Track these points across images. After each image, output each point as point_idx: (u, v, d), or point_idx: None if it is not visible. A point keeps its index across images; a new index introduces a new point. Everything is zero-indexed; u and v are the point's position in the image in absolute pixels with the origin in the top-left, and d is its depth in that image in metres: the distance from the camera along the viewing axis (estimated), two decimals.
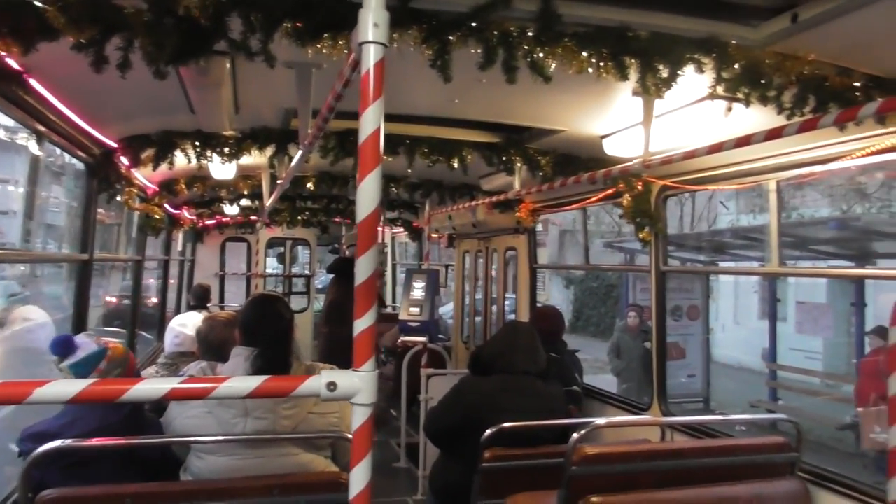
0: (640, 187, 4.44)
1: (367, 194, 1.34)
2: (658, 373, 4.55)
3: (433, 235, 8.64)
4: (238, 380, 1.30)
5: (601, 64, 2.32)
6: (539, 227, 7.14)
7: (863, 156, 2.94)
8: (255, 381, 1.30)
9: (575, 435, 2.87)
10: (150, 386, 1.27)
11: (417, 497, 5.74)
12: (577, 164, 4.47)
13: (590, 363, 14.58)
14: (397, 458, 6.77)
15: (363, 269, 1.35)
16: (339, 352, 6.80)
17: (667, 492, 2.86)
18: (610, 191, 4.78)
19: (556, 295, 24.38)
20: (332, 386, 1.31)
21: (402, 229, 10.61)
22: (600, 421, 3.05)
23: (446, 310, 10.98)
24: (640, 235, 4.47)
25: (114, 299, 13.61)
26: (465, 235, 8.31)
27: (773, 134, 2.29)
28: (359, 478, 1.34)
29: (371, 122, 1.32)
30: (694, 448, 3.11)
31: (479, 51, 2.25)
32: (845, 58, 2.52)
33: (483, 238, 7.92)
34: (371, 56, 1.32)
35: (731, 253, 14.54)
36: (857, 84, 2.55)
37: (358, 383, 1.31)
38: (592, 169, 4.20)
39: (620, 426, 3.52)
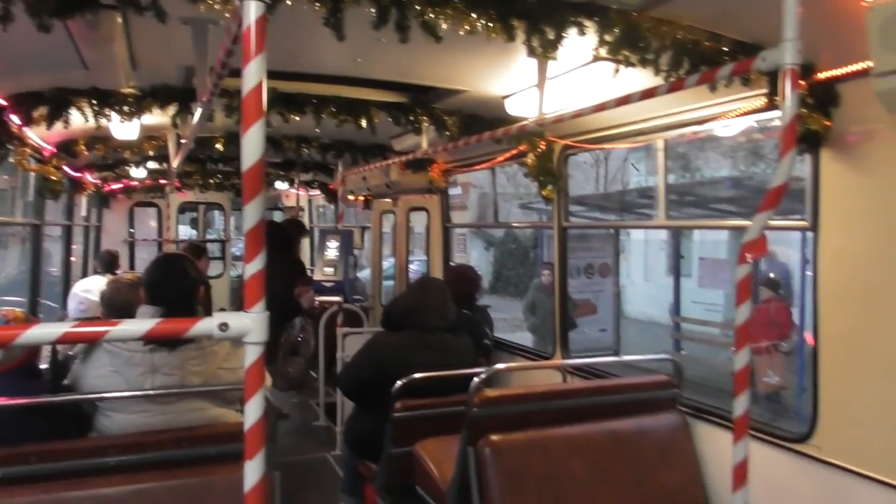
0: (542, 147, 4.63)
1: (251, 145, 1.41)
2: (560, 323, 4.82)
3: (349, 197, 8.65)
4: (131, 322, 1.36)
5: (490, 25, 2.43)
6: (459, 190, 7.28)
7: (734, 116, 3.19)
8: (149, 324, 1.37)
9: (476, 380, 3.05)
10: (43, 330, 1.31)
11: (335, 452, 5.90)
12: (482, 124, 4.60)
13: (508, 322, 15.07)
14: (317, 417, 6.89)
15: (250, 217, 1.43)
16: None
17: (560, 428, 3.09)
18: (515, 151, 4.95)
19: (476, 256, 24.81)
20: (224, 326, 1.39)
21: (318, 192, 10.55)
22: (500, 366, 3.24)
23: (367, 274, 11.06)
24: (544, 193, 4.67)
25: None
26: (380, 196, 8.37)
27: (648, 94, 2.47)
28: (252, 413, 1.43)
29: (253, 77, 1.39)
30: (585, 388, 3.36)
31: (372, 10, 2.32)
32: (715, 24, 2.73)
33: (397, 198, 8.01)
34: (252, 12, 1.37)
35: (638, 212, 15.19)
36: (726, 48, 2.78)
37: (249, 323, 1.39)
38: (496, 128, 4.34)
39: (519, 370, 3.75)
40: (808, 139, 2.85)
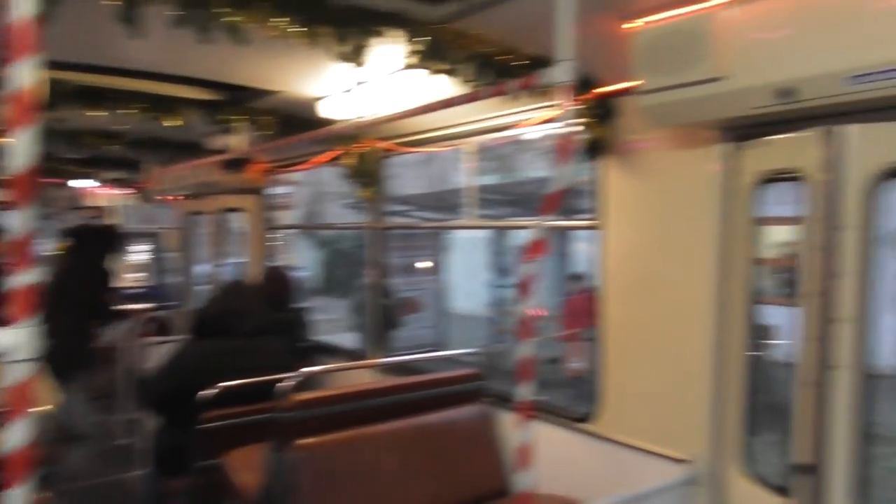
0: (361, 149, 4.69)
1: (22, 147, 1.32)
2: (377, 323, 4.92)
3: (163, 197, 8.16)
4: None
5: (293, 29, 2.44)
6: (289, 188, 7.13)
7: (538, 123, 3.46)
8: None
9: (282, 384, 3.03)
10: None
11: (137, 472, 5.54)
12: (299, 125, 4.57)
13: (338, 323, 15.00)
14: (121, 435, 6.43)
15: (19, 224, 1.34)
16: (57, 349, 6.07)
17: (372, 426, 3.15)
18: (335, 152, 4.97)
19: (305, 258, 24.36)
20: None
21: (129, 191, 9.83)
22: (309, 369, 3.24)
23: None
24: (361, 195, 4.74)
25: None
26: (196, 196, 7.99)
27: (447, 104, 2.62)
28: (16, 437, 1.33)
29: (23, 76, 1.30)
30: (396, 386, 3.45)
31: (170, 9, 2.24)
32: (514, 38, 2.94)
33: (213, 199, 7.69)
34: (22, 3, 1.28)
35: (465, 211, 15.71)
36: (526, 62, 3.00)
37: (13, 340, 1.31)
38: (314, 129, 4.34)
39: (327, 371, 3.77)
40: (592, 147, 3.17)
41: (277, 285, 5.01)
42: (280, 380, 3.09)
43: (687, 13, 2.34)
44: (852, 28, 2.05)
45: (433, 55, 2.82)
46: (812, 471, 2.43)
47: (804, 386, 2.45)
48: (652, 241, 3.08)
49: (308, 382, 3.26)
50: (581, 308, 10.49)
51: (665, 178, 3.00)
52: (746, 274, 2.74)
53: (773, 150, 2.55)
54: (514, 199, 13.00)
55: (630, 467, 3.07)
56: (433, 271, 13.42)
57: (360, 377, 4.45)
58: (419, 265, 12.95)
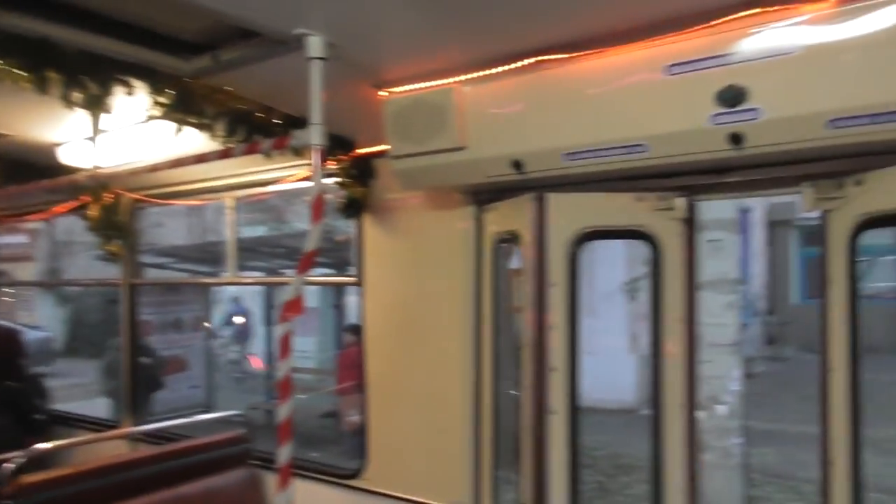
0: (108, 199, 4.33)
1: None
2: (127, 387, 4.51)
3: None
4: None
5: (21, 74, 2.23)
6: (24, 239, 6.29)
7: (297, 180, 3.47)
8: None
9: (7, 465, 2.65)
10: None
11: None
12: (32, 171, 4.12)
13: (87, 387, 13.38)
14: None
15: None
16: None
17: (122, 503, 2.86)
18: (77, 202, 4.53)
19: (48, 315, 21.59)
20: None
21: None
22: (42, 446, 2.87)
23: None
24: (107, 248, 4.36)
25: None
26: None
27: (200, 158, 2.55)
28: None
29: None
30: (149, 456, 3.18)
31: None
32: (268, 97, 2.96)
33: None
34: None
35: (227, 265, 15.08)
36: (280, 121, 3.02)
37: None
38: (50, 177, 3.94)
39: (67, 447, 3.37)
40: (351, 205, 3.26)
41: (5, 347, 4.39)
42: (4, 460, 2.70)
43: (430, 87, 2.54)
44: (567, 111, 2.37)
45: (182, 108, 2.73)
46: None
47: (525, 430, 2.65)
48: (410, 295, 3.22)
49: (45, 460, 2.88)
50: (355, 360, 10.51)
51: (421, 236, 3.17)
52: (496, 323, 2.96)
53: (501, 214, 2.82)
54: (286, 251, 12.78)
55: None
56: (200, 326, 12.60)
57: (118, 448, 4.03)
58: (183, 320, 12.10)
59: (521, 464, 2.68)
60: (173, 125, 3.07)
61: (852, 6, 1.83)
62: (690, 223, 2.51)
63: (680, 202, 2.46)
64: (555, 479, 2.57)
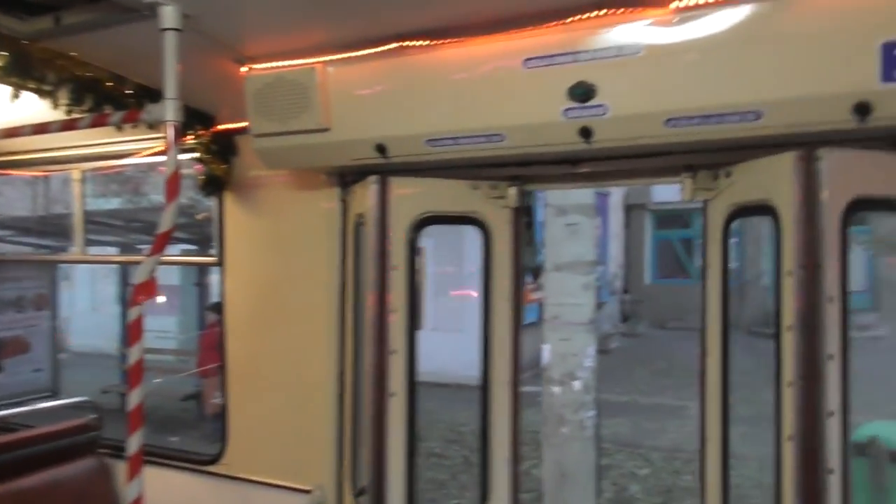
0: None
1: None
2: None
3: None
4: None
5: None
6: None
7: (146, 154, 3.28)
8: None
9: None
10: None
11: None
12: None
13: None
14: None
15: None
16: None
17: None
18: None
19: None
20: None
21: None
22: None
23: None
24: None
25: None
26: None
27: (41, 128, 2.36)
28: None
29: None
30: None
31: None
32: (119, 66, 2.77)
33: None
34: None
35: (75, 241, 14.02)
36: (132, 91, 2.84)
37: None
38: None
39: None
40: (211, 183, 3.13)
41: None
42: None
43: (293, 65, 2.49)
44: (430, 98, 2.40)
45: (19, 72, 2.51)
46: (371, 492, 2.61)
47: (366, 413, 2.66)
48: (272, 276, 3.16)
49: None
50: (218, 340, 10.12)
51: (285, 215, 3.10)
52: (358, 306, 2.96)
53: (358, 196, 2.81)
54: (143, 225, 12.03)
55: None
56: (45, 304, 11.63)
57: None
58: (26, 298, 11.11)
59: (362, 449, 2.69)
60: (8, 89, 2.83)
61: (688, 13, 1.99)
62: (519, 211, 2.66)
63: (512, 191, 2.60)
64: (393, 461, 2.59)
